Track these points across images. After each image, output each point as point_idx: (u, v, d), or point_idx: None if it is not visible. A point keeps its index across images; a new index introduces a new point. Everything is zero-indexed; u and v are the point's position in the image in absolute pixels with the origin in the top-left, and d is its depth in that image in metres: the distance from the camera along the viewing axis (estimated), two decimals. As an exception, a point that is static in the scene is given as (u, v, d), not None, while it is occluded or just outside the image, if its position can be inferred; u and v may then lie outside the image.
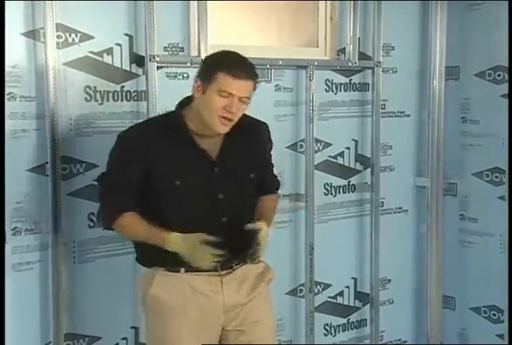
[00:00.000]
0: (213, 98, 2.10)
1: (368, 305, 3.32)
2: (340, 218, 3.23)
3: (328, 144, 3.15)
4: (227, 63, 2.12)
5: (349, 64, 3.11)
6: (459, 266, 3.39)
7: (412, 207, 3.45)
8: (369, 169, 3.27)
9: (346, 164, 3.24)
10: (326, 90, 3.12)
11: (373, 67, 3.18)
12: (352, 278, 3.30)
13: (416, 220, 3.45)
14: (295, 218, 3.10)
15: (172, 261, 2.15)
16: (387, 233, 3.29)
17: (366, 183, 3.28)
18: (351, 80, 3.18)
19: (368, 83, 3.21)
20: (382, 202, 3.31)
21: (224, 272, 2.21)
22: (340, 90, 3.16)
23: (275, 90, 2.98)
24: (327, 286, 3.22)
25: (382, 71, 3.23)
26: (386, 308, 3.35)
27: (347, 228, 3.27)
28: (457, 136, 3.36)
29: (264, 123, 2.38)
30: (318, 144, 3.12)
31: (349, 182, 3.25)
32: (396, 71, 3.30)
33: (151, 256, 2.20)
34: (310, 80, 2.99)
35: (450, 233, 3.38)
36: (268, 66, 2.91)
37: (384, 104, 3.28)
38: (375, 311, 3.30)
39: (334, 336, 3.26)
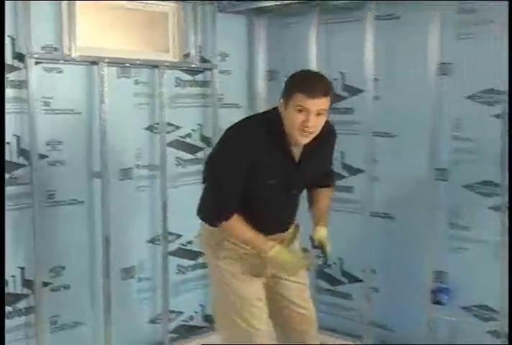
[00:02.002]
0: (293, 114, 2.03)
1: None
2: (188, 185, 3.37)
3: (178, 127, 3.30)
4: (303, 84, 2.04)
5: (193, 65, 3.29)
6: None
7: None
8: (210, 148, 3.39)
9: (193, 143, 3.38)
10: (175, 85, 3.26)
11: (211, 69, 3.36)
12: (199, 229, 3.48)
13: None
14: (153, 184, 3.22)
15: None
16: None
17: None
18: (195, 78, 3.35)
19: (208, 81, 3.38)
20: None
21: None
22: (187, 86, 3.32)
23: (135, 84, 3.09)
24: (179, 236, 3.37)
25: (220, 72, 3.40)
26: None
27: (195, 191, 3.32)
28: None
29: (334, 128, 2.32)
30: (170, 127, 3.26)
31: (196, 156, 3.40)
32: (231, 73, 3.49)
33: None
34: (161, 77, 3.13)
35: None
36: (128, 65, 3.04)
37: (221, 98, 3.45)
38: None
39: (184, 274, 3.41)
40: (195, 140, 3.40)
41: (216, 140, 3.37)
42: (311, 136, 2.08)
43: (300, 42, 3.40)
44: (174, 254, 3.35)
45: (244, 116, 3.50)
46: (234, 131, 2.16)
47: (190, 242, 3.42)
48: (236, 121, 3.49)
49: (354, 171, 3.33)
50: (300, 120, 2.03)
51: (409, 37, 3.08)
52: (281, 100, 2.09)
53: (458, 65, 2.95)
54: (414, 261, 3.14)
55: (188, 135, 3.36)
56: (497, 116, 2.85)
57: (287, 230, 2.35)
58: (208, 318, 3.51)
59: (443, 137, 3.02)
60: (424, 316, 3.09)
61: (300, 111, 2.02)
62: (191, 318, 3.46)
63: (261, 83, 3.58)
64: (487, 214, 2.92)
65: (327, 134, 2.19)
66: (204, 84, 3.39)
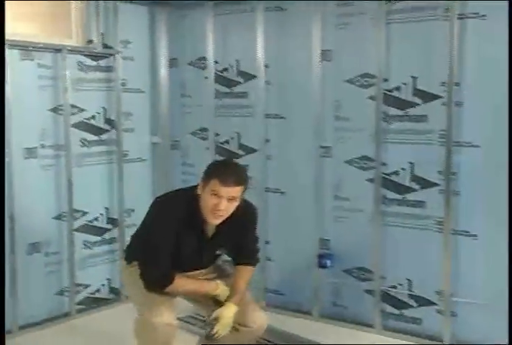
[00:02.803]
0: (207, 197, 2.15)
1: (117, 227, 3.52)
2: (93, 165, 3.39)
3: (82, 109, 3.30)
4: (220, 172, 2.16)
5: (95, 50, 3.29)
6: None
7: (149, 158, 3.67)
8: (114, 130, 3.44)
9: (98, 124, 3.39)
10: (78, 69, 3.26)
11: (114, 55, 3.37)
12: (105, 207, 3.47)
13: (152, 167, 3.68)
14: (58, 163, 3.21)
15: None
16: (130, 176, 3.51)
17: (113, 139, 3.47)
18: (98, 63, 3.36)
19: (111, 66, 3.39)
20: (126, 154, 3.55)
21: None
22: (90, 71, 3.32)
23: (38, 67, 3.08)
24: (85, 213, 3.37)
25: (123, 58, 3.42)
26: (131, 229, 3.35)
27: (100, 171, 3.43)
28: (178, 107, 3.64)
29: (254, 208, 2.40)
30: (75, 109, 3.26)
31: (101, 137, 3.42)
32: (133, 59, 3.51)
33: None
34: (63, 60, 3.14)
35: (176, 174, 3.70)
36: (31, 48, 3.02)
37: (125, 83, 3.47)
38: (121, 231, 3.51)
39: (91, 249, 3.42)
40: (99, 122, 3.41)
41: (119, 122, 3.48)
42: (222, 218, 2.20)
43: (198, 32, 3.48)
44: (80, 230, 3.36)
45: (147, 100, 3.67)
46: (161, 209, 2.27)
47: (96, 219, 3.44)
48: (141, 104, 3.62)
49: (249, 150, 3.45)
50: (213, 203, 2.15)
51: (295, 27, 3.24)
52: (200, 183, 2.21)
53: (337, 52, 3.14)
54: (303, 231, 3.31)
55: (93, 117, 3.37)
56: (371, 97, 3.05)
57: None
58: (114, 290, 3.54)
59: (326, 117, 3.20)
60: (311, 280, 3.26)
61: (214, 195, 2.14)
62: (98, 290, 3.48)
63: (163, 70, 3.63)
64: (365, 186, 3.12)
65: (243, 214, 2.29)
66: (108, 69, 3.41)
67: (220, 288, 2.32)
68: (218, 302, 2.33)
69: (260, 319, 2.35)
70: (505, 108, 2.71)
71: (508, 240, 2.63)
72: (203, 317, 2.64)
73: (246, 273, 2.41)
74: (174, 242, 2.21)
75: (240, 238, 2.38)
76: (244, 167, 2.28)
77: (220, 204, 2.14)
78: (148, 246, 2.24)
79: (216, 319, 2.25)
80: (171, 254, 2.22)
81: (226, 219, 2.23)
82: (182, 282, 2.26)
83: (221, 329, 2.25)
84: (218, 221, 2.21)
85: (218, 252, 2.48)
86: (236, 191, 2.16)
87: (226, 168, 2.24)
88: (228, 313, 2.26)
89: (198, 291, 2.33)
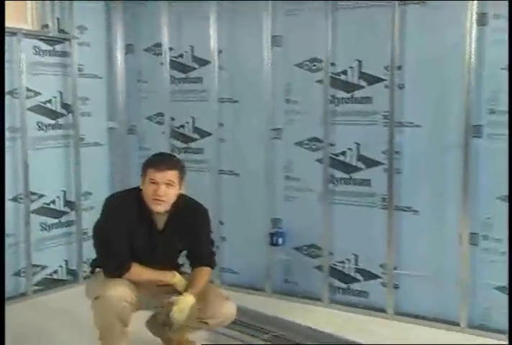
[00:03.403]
0: (147, 186, 2.28)
1: (74, 210, 3.53)
2: (50, 148, 3.39)
3: (38, 93, 3.30)
4: (153, 161, 2.33)
5: (50, 34, 3.29)
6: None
7: (106, 142, 3.68)
8: (71, 114, 3.44)
9: (53, 108, 3.39)
10: (34, 53, 3.27)
11: (70, 40, 3.38)
12: (62, 190, 3.46)
13: (109, 151, 3.69)
14: (14, 145, 3.19)
15: None
16: (87, 160, 3.51)
17: (70, 123, 3.47)
18: (54, 48, 3.36)
19: (68, 52, 3.40)
20: (83, 138, 3.55)
21: None
22: (46, 55, 3.33)
23: None
24: (42, 195, 3.37)
25: (79, 44, 3.44)
26: (88, 213, 3.51)
27: (57, 154, 3.44)
28: (134, 92, 3.65)
29: (204, 208, 2.45)
30: (31, 93, 3.26)
31: (57, 121, 3.42)
32: (90, 45, 3.52)
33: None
34: (18, 43, 3.12)
35: (133, 159, 3.67)
36: None
37: (82, 68, 3.48)
38: (78, 214, 3.53)
39: (48, 232, 3.42)
40: (56, 106, 3.41)
41: (75, 107, 3.47)
42: (164, 205, 2.31)
43: (153, 19, 3.51)
44: (37, 212, 3.36)
45: (105, 86, 3.67)
46: (112, 205, 2.36)
47: (53, 202, 3.45)
48: (99, 90, 3.63)
49: (203, 134, 3.50)
50: (152, 190, 2.28)
51: (246, 13, 3.30)
52: (141, 179, 2.34)
53: (287, 38, 3.21)
54: (255, 210, 3.37)
55: (49, 101, 3.38)
56: (319, 81, 3.13)
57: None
58: (71, 272, 3.55)
59: (277, 101, 3.26)
60: (264, 258, 3.33)
61: (152, 183, 2.28)
62: (55, 271, 3.48)
63: (119, 56, 3.64)
64: (314, 166, 3.19)
65: (191, 209, 2.40)
66: (64, 54, 3.42)
67: (177, 277, 2.38)
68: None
69: (227, 311, 2.35)
70: (444, 90, 2.84)
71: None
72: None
73: (203, 272, 2.43)
74: (127, 233, 2.29)
75: (193, 238, 2.42)
76: (177, 156, 2.43)
77: (159, 190, 2.26)
78: (104, 240, 2.33)
79: (172, 303, 2.23)
80: (127, 246, 2.30)
81: (173, 210, 2.33)
82: (139, 271, 2.31)
83: (177, 313, 2.21)
84: (161, 208, 2.31)
85: (179, 262, 2.51)
86: (171, 175, 2.28)
87: (159, 157, 2.42)
88: (184, 298, 2.25)
89: (155, 279, 2.36)
